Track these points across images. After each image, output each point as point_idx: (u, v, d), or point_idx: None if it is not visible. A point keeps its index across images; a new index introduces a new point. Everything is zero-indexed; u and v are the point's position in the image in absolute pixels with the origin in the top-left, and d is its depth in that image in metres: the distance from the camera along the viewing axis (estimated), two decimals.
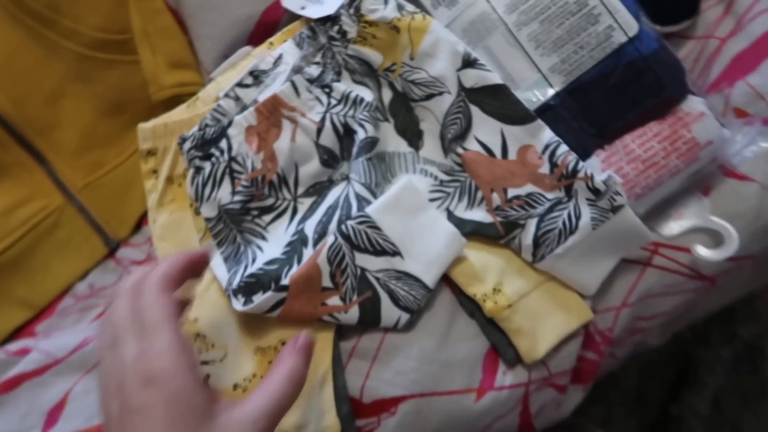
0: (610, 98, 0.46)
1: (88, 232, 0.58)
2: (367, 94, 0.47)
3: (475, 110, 0.46)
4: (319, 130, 0.47)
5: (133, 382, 0.31)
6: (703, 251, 0.47)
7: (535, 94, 0.47)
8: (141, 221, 0.61)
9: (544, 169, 0.45)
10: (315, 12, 0.48)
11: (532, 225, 0.45)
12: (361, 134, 0.46)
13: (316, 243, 0.45)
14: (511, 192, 0.46)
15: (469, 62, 0.46)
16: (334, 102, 0.47)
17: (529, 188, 0.46)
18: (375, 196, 0.45)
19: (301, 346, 0.37)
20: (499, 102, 0.46)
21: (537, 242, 0.45)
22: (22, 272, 0.56)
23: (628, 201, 0.46)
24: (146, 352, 0.32)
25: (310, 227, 0.46)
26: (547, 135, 0.45)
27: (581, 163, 0.44)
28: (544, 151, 0.45)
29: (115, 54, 0.56)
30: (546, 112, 0.47)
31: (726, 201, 0.48)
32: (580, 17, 0.46)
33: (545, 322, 0.46)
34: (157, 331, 0.32)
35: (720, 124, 0.46)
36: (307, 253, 0.45)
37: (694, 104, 0.46)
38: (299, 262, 0.45)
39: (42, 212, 0.57)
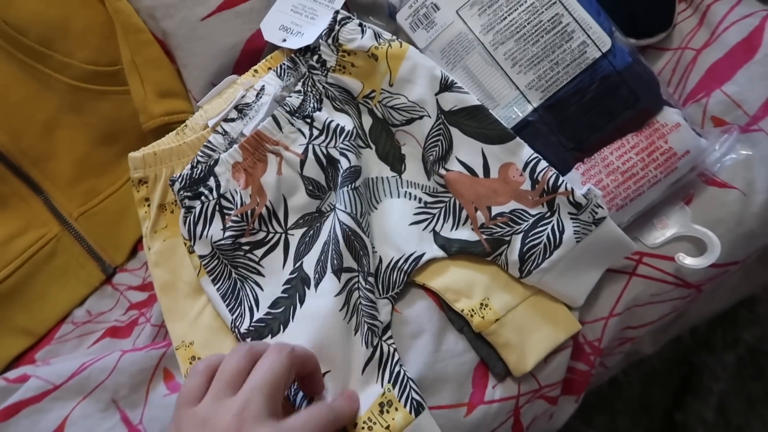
0: (587, 112, 0.47)
1: (85, 259, 0.60)
2: (348, 122, 0.48)
3: (455, 132, 0.48)
4: (303, 162, 0.48)
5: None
6: (686, 259, 0.47)
7: (514, 111, 0.48)
8: (137, 247, 0.62)
9: (526, 185, 0.46)
10: (295, 43, 0.49)
11: (517, 241, 0.46)
12: (344, 163, 0.47)
13: (318, 283, 0.46)
14: (495, 210, 0.47)
15: (446, 86, 0.47)
16: (316, 132, 0.48)
17: (513, 205, 0.47)
18: (360, 225, 0.46)
19: (350, 395, 0.42)
20: (477, 123, 0.47)
21: (523, 258, 0.46)
22: (21, 301, 0.57)
23: (610, 212, 0.47)
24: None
25: (309, 265, 0.47)
26: (527, 152, 0.46)
27: (561, 178, 0.45)
28: (524, 168, 0.46)
29: (106, 85, 0.58)
30: (525, 128, 0.48)
31: (707, 209, 0.49)
32: (554, 34, 0.47)
33: (533, 335, 0.46)
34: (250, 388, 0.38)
35: (696, 133, 0.47)
36: (310, 293, 0.46)
37: (670, 115, 0.47)
38: (302, 302, 0.46)
39: (39, 241, 0.58)
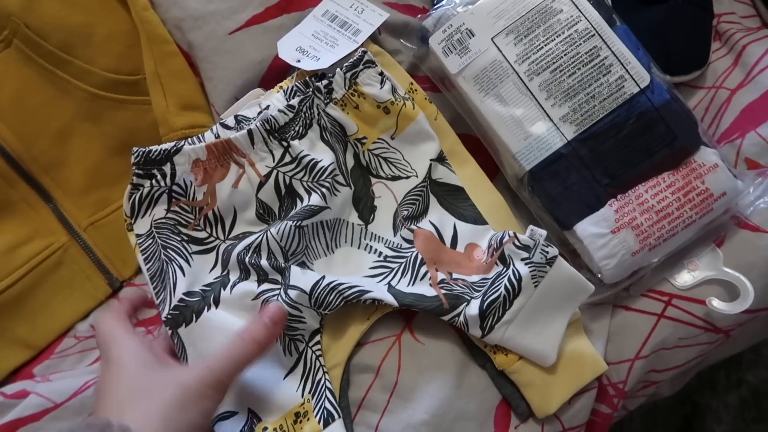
0: (623, 148, 0.46)
1: (92, 271, 0.58)
2: (327, 158, 0.47)
3: (433, 200, 0.48)
4: (261, 184, 0.47)
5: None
6: (718, 304, 0.46)
7: (547, 143, 0.47)
8: None
9: (486, 258, 0.46)
10: (310, 65, 0.48)
11: (475, 304, 0.44)
12: (305, 200, 0.46)
13: (233, 286, 0.45)
14: (456, 275, 0.46)
15: (441, 158, 0.49)
16: (287, 159, 0.47)
17: (474, 278, 0.46)
18: (286, 261, 0.45)
19: (269, 315, 0.40)
20: (456, 201, 0.49)
21: (483, 314, 0.44)
22: (23, 312, 0.55)
23: (642, 252, 0.45)
24: None
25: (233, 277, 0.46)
26: (491, 234, 0.47)
27: (504, 233, 0.45)
28: (488, 248, 0.46)
29: (125, 94, 0.56)
30: (558, 161, 0.46)
31: (740, 252, 0.48)
32: (591, 67, 0.46)
33: (558, 376, 0.45)
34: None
35: (733, 175, 0.46)
36: (225, 294, 0.45)
37: (707, 155, 0.46)
38: (216, 303, 0.45)
39: (46, 251, 0.56)
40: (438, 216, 0.48)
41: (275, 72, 0.52)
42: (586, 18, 0.47)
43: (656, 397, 0.63)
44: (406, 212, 0.48)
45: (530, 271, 0.44)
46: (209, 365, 0.38)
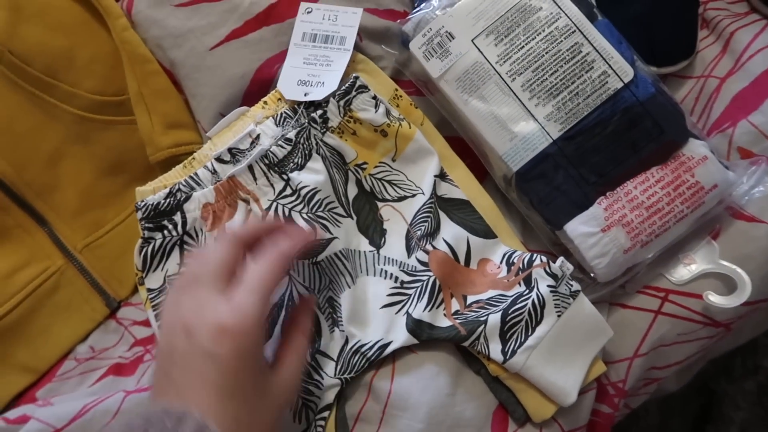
0: (609, 145, 0.45)
1: (89, 293, 0.58)
2: (324, 190, 0.46)
3: (443, 216, 0.48)
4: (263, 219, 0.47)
5: (206, 328, 0.34)
6: (715, 298, 0.45)
7: (532, 143, 0.46)
8: None
9: (503, 273, 0.46)
10: (320, 94, 0.48)
11: (495, 320, 0.44)
12: None
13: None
14: (471, 298, 0.46)
15: (442, 175, 0.48)
16: (287, 192, 0.46)
17: (490, 293, 0.46)
18: (317, 302, 0.45)
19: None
20: (465, 215, 0.48)
21: (504, 337, 0.43)
22: (23, 337, 0.55)
23: (635, 249, 0.45)
24: (230, 304, 0.35)
25: None
26: (503, 248, 0.47)
27: (536, 256, 0.45)
28: (501, 260, 0.46)
29: (112, 115, 0.57)
30: (544, 160, 0.46)
31: (736, 244, 0.47)
32: (573, 64, 0.46)
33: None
34: (247, 291, 0.35)
35: (724, 167, 0.45)
36: None
37: (696, 148, 0.45)
38: None
39: (42, 274, 0.56)
40: (451, 232, 0.47)
41: (257, 85, 0.52)
42: (566, 14, 0.46)
43: (662, 393, 0.62)
44: (419, 231, 0.47)
45: (554, 301, 0.43)
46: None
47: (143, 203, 0.46)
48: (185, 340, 0.34)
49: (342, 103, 0.47)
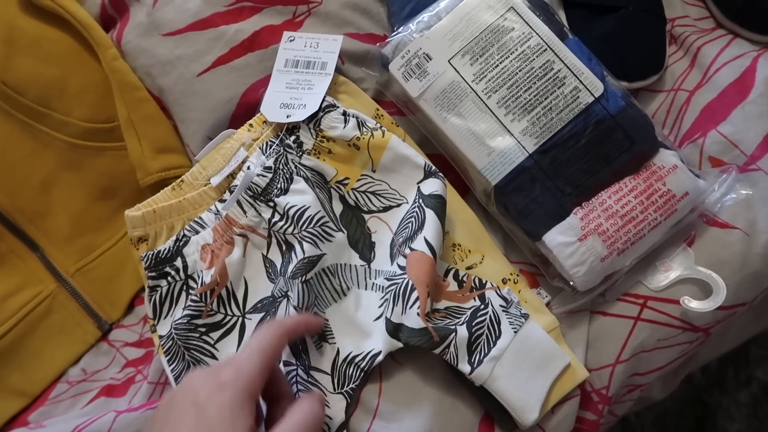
0: (583, 157, 0.47)
1: (81, 316, 0.59)
2: (314, 206, 0.47)
3: (429, 212, 0.47)
4: (269, 244, 0.48)
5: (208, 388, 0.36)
6: (692, 303, 0.46)
7: (509, 158, 0.48)
8: (133, 302, 0.61)
9: (452, 287, 0.47)
10: (301, 115, 0.49)
11: (464, 330, 0.45)
12: (298, 253, 0.46)
13: None
14: (435, 304, 0.47)
15: (430, 172, 0.49)
16: (277, 217, 0.48)
17: (444, 303, 0.47)
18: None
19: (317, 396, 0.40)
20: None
21: (471, 346, 0.45)
22: (16, 361, 0.56)
23: (611, 257, 0.46)
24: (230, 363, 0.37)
25: None
26: (444, 264, 0.48)
27: (486, 281, 0.47)
28: (445, 276, 0.48)
29: (103, 142, 0.58)
30: (521, 174, 0.47)
31: (711, 250, 0.48)
32: (546, 81, 0.48)
33: None
34: (247, 350, 0.38)
35: (695, 175, 0.47)
36: None
37: (666, 157, 0.47)
38: None
39: (35, 299, 0.57)
40: (433, 230, 0.46)
41: (244, 108, 0.53)
42: (537, 34, 0.48)
43: (650, 401, 0.62)
44: (401, 238, 0.48)
45: (508, 319, 0.45)
46: None
47: (146, 254, 0.48)
48: (189, 403, 0.36)
49: (311, 125, 0.49)
